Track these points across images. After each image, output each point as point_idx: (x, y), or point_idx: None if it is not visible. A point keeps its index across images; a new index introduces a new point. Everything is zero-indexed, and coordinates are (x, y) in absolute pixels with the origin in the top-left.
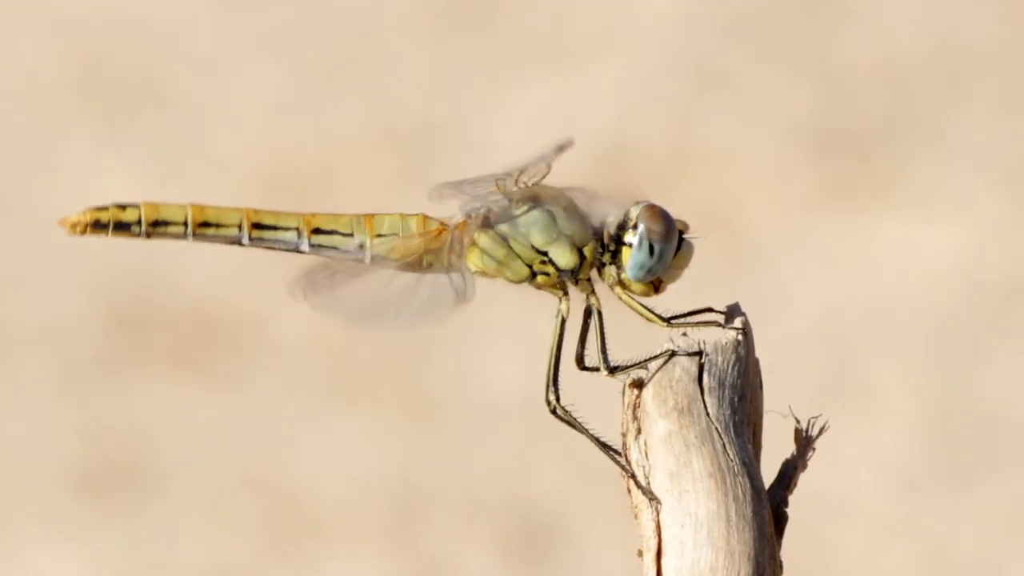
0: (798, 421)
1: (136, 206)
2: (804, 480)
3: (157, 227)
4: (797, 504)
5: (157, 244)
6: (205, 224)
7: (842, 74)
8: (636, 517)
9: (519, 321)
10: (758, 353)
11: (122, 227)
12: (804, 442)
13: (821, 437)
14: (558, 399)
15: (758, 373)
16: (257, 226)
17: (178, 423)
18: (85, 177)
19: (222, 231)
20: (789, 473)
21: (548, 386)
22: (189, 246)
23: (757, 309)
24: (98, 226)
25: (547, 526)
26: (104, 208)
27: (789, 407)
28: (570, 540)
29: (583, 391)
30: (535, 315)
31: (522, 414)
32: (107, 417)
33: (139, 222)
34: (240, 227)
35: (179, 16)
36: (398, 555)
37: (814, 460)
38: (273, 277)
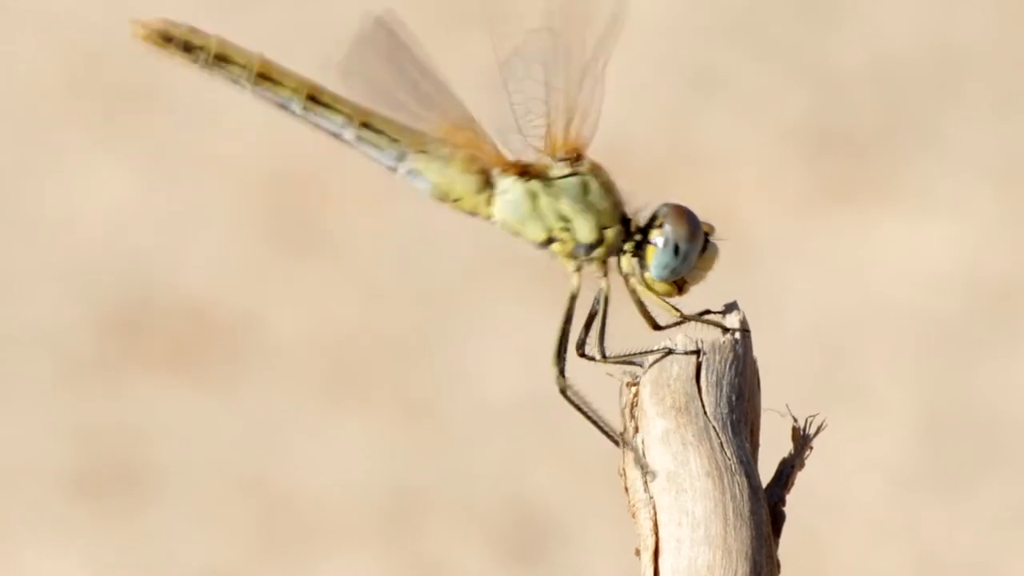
0: (795, 420)
1: (209, 37)
2: (801, 480)
3: (220, 62)
4: (794, 503)
5: (158, 244)
6: (264, 77)
7: (837, 75)
8: (633, 516)
9: (513, 322)
10: (755, 353)
11: (190, 49)
12: (801, 441)
13: (818, 436)
14: (561, 372)
15: (756, 372)
16: (312, 99)
17: (173, 424)
18: (81, 179)
19: (278, 90)
20: (787, 472)
21: (555, 358)
22: (194, 244)
23: (753, 309)
24: (167, 39)
25: (543, 527)
26: (178, 25)
27: (787, 406)
28: (566, 541)
29: (584, 381)
30: (529, 316)
31: (517, 416)
32: (102, 419)
33: (206, 50)
34: (296, 91)
35: (176, 16)
36: (393, 557)
37: (811, 459)
38: (268, 278)
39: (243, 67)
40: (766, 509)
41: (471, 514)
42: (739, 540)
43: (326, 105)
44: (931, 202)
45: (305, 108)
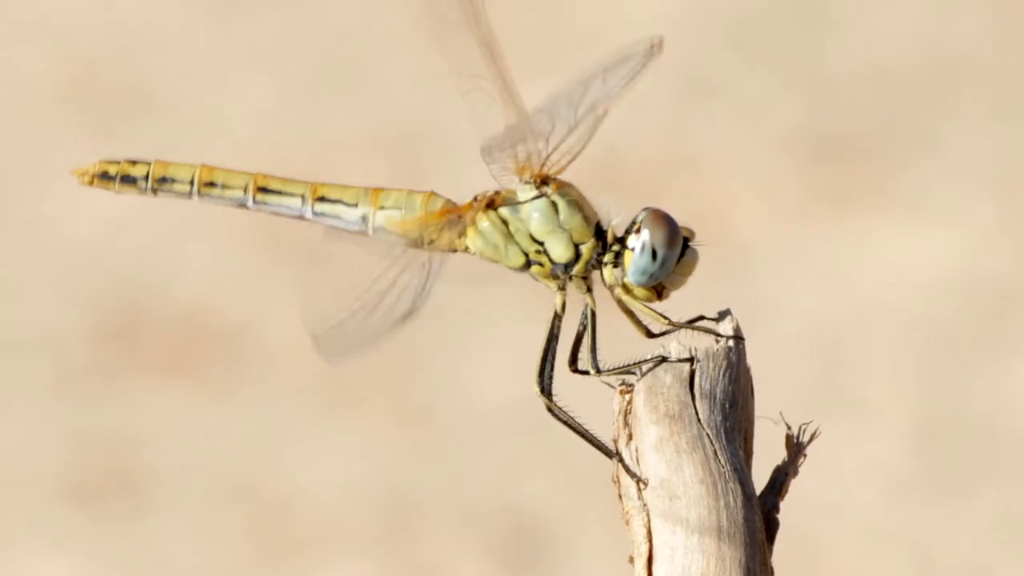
0: (789, 428)
1: (147, 163)
2: (795, 487)
3: (164, 184)
4: (788, 510)
5: (155, 249)
6: (211, 184)
7: (833, 82)
8: (627, 523)
9: (509, 329)
10: (749, 360)
11: (129, 180)
12: (795, 448)
13: (812, 444)
14: (542, 391)
15: (749, 380)
16: (263, 190)
17: (169, 431)
18: (76, 186)
19: (227, 192)
20: (780, 479)
21: (536, 377)
22: (190, 250)
23: (748, 316)
24: (106, 177)
25: (538, 533)
26: (116, 162)
27: (780, 413)
28: (561, 547)
29: (576, 395)
30: (525, 322)
31: (512, 422)
32: (98, 425)
33: (146, 177)
34: (246, 190)
35: (172, 24)
36: (389, 563)
37: (805, 467)
38: (264, 285)
39: (189, 182)
40: (760, 516)
41: (467, 520)
42: (733, 547)
43: (278, 192)
44: (927, 208)
45: (257, 200)
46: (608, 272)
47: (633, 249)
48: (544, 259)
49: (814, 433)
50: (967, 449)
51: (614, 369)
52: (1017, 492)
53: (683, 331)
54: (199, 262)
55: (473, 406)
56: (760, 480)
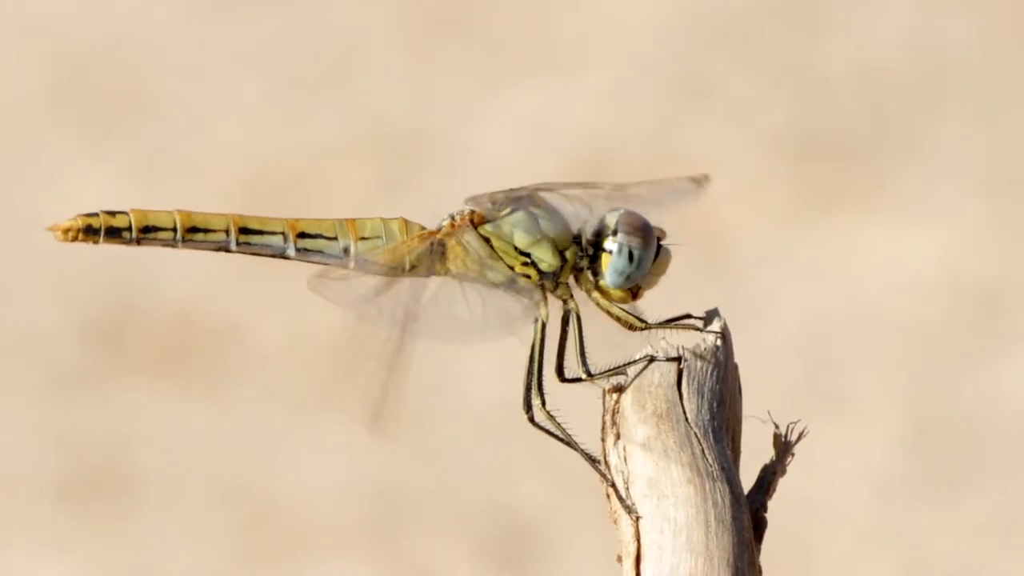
0: (777, 427)
1: (125, 213)
2: (783, 486)
3: (147, 233)
4: (776, 510)
5: (141, 253)
6: (193, 229)
7: (822, 83)
8: (615, 522)
9: None
10: (737, 359)
11: (113, 233)
12: (783, 447)
13: (800, 443)
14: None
15: (737, 379)
16: (244, 231)
17: (158, 432)
18: (66, 187)
19: (210, 236)
20: (768, 478)
21: (533, 393)
22: (176, 253)
23: (737, 316)
24: (90, 232)
25: (528, 534)
26: (94, 214)
27: (768, 412)
28: (550, 547)
29: (562, 399)
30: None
31: (502, 423)
32: (88, 426)
33: (129, 228)
34: (227, 232)
35: (162, 25)
36: (379, 564)
37: (793, 466)
38: (252, 286)
39: (171, 228)
40: (748, 515)
41: (457, 521)
42: (721, 547)
43: (258, 231)
44: (915, 209)
45: (240, 242)
46: (584, 277)
47: (610, 251)
48: (531, 271)
49: (802, 432)
50: (956, 450)
51: (604, 372)
52: (1006, 493)
53: (671, 330)
54: (187, 263)
55: (463, 407)
56: (748, 479)
